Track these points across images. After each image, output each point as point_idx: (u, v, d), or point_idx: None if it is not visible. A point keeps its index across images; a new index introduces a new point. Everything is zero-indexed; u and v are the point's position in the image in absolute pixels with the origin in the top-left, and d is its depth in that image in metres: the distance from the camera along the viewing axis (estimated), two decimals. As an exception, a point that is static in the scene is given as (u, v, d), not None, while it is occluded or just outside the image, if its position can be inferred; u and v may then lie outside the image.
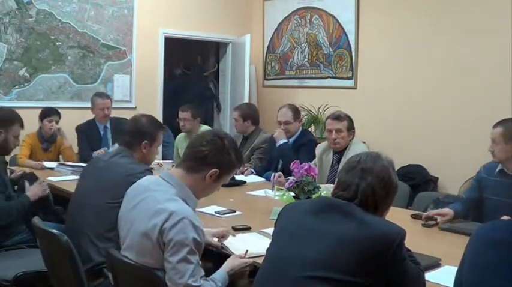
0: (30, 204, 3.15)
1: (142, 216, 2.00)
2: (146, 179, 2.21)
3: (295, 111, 4.41)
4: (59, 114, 4.83)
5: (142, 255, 1.97)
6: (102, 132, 4.90)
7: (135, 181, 2.26)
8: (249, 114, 4.78)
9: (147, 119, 2.85)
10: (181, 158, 2.21)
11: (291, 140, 4.37)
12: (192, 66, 7.91)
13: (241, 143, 4.78)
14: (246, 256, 2.22)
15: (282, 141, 4.25)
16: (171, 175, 2.13)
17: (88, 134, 4.83)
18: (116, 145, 2.98)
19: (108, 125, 4.93)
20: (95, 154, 4.45)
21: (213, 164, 2.08)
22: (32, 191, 3.25)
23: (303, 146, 4.23)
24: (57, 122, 4.78)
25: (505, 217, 2.64)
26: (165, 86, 6.74)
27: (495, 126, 2.94)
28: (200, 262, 1.96)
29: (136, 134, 2.75)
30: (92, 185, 2.70)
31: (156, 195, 2.04)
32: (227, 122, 7.24)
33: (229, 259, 2.20)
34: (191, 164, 2.10)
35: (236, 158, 2.16)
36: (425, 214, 2.94)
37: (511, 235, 1.47)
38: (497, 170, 2.99)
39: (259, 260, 2.10)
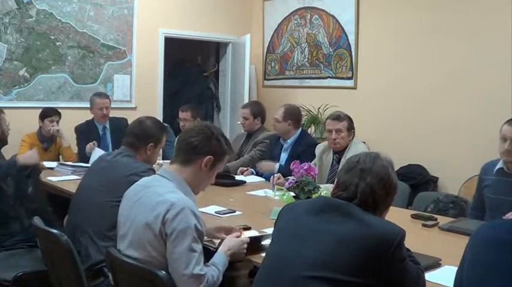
0: (17, 165, 3.21)
1: (143, 209, 2.03)
2: (143, 180, 2.24)
3: (288, 113, 4.31)
4: (59, 114, 4.83)
5: (143, 248, 1.99)
6: (101, 133, 4.89)
7: (138, 180, 2.30)
8: (259, 111, 4.78)
9: (152, 121, 2.88)
10: (174, 154, 2.25)
11: (289, 141, 4.35)
12: (192, 67, 7.91)
13: (244, 141, 4.78)
14: (242, 235, 2.27)
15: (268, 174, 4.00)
16: (167, 171, 2.17)
17: (87, 135, 4.82)
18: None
19: (107, 125, 4.91)
20: (87, 149, 4.48)
21: (206, 152, 2.14)
22: (23, 156, 3.38)
23: (304, 152, 4.10)
24: (57, 122, 4.79)
25: (510, 215, 2.62)
26: (165, 86, 6.73)
27: (510, 123, 2.82)
28: (202, 251, 1.99)
29: (142, 137, 2.78)
30: (94, 183, 2.72)
31: (156, 189, 2.08)
32: (227, 122, 7.24)
33: (225, 241, 2.24)
34: (185, 156, 2.16)
35: (225, 144, 2.24)
36: None
37: (511, 235, 1.47)
38: (496, 168, 2.95)
39: (259, 260, 2.10)
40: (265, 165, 4.23)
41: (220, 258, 2.12)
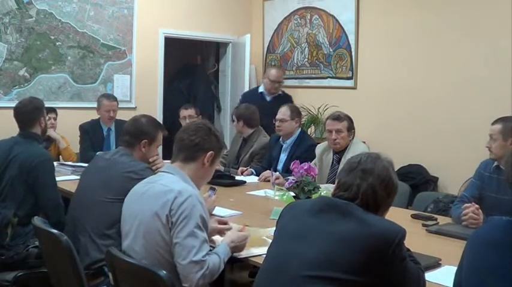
0: None
1: (150, 201, 2.10)
2: (146, 178, 2.29)
3: (294, 111, 4.36)
4: (54, 110, 4.82)
5: (151, 237, 2.04)
6: (105, 134, 4.88)
7: (136, 178, 2.40)
8: (242, 115, 4.65)
9: (146, 119, 2.90)
10: (173, 153, 2.30)
11: (288, 141, 4.35)
12: (194, 67, 7.90)
13: (240, 145, 4.74)
14: (245, 230, 2.35)
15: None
16: (170, 167, 2.23)
17: (91, 134, 4.82)
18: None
19: (112, 128, 4.89)
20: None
21: (208, 149, 2.23)
22: None
23: (304, 153, 4.05)
24: (54, 119, 4.78)
25: None
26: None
27: (494, 123, 2.96)
28: (207, 239, 2.05)
29: (136, 134, 2.79)
30: (93, 182, 2.73)
31: (161, 182, 2.15)
32: (227, 122, 7.23)
33: (228, 233, 2.31)
34: (187, 154, 2.22)
35: (220, 138, 2.34)
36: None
37: (510, 236, 1.47)
38: (493, 166, 2.96)
39: (259, 261, 2.10)
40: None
41: (223, 248, 2.17)
